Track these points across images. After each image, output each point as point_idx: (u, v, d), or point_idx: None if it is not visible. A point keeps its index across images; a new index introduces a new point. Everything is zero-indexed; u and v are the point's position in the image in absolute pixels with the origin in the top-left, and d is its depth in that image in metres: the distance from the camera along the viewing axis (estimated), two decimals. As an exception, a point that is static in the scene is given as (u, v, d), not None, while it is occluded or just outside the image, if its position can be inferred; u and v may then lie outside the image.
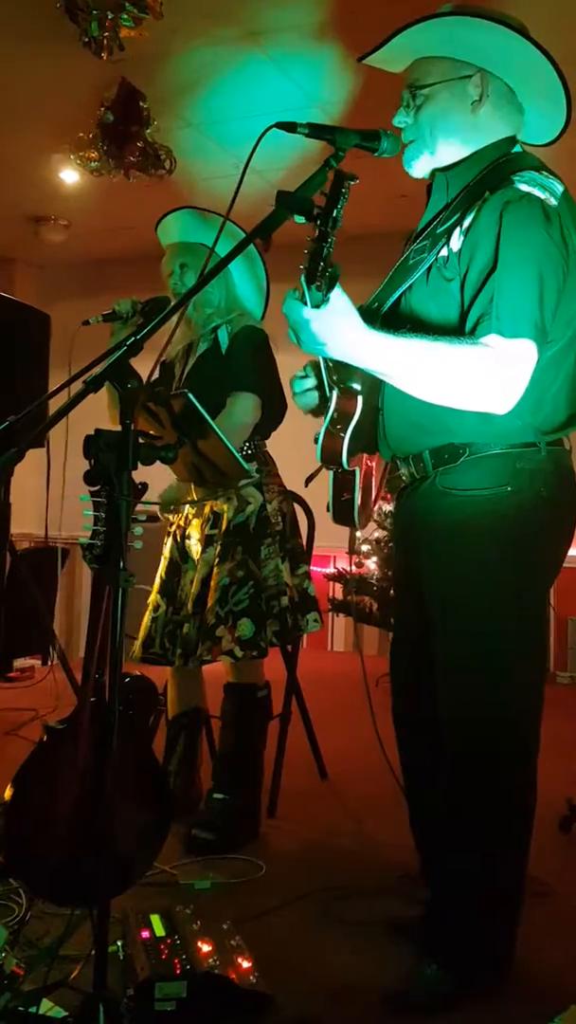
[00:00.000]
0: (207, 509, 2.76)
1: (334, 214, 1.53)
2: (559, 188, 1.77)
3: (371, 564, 5.37)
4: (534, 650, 1.90)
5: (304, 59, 3.92)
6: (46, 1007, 1.74)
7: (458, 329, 1.76)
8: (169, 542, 2.88)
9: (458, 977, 1.90)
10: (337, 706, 4.48)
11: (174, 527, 2.88)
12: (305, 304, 1.58)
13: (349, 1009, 1.91)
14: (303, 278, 1.56)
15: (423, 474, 1.88)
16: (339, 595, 5.60)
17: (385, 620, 5.32)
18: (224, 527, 2.71)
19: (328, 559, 5.94)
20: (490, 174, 1.79)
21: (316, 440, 1.88)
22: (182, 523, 2.85)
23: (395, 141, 1.76)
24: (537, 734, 1.92)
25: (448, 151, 1.87)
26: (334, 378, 1.82)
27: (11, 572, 3.43)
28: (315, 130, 1.69)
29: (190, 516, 2.83)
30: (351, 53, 3.81)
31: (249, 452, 2.78)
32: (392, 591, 5.09)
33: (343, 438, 1.82)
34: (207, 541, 2.73)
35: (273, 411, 2.81)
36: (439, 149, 1.87)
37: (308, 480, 2.10)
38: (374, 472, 2.05)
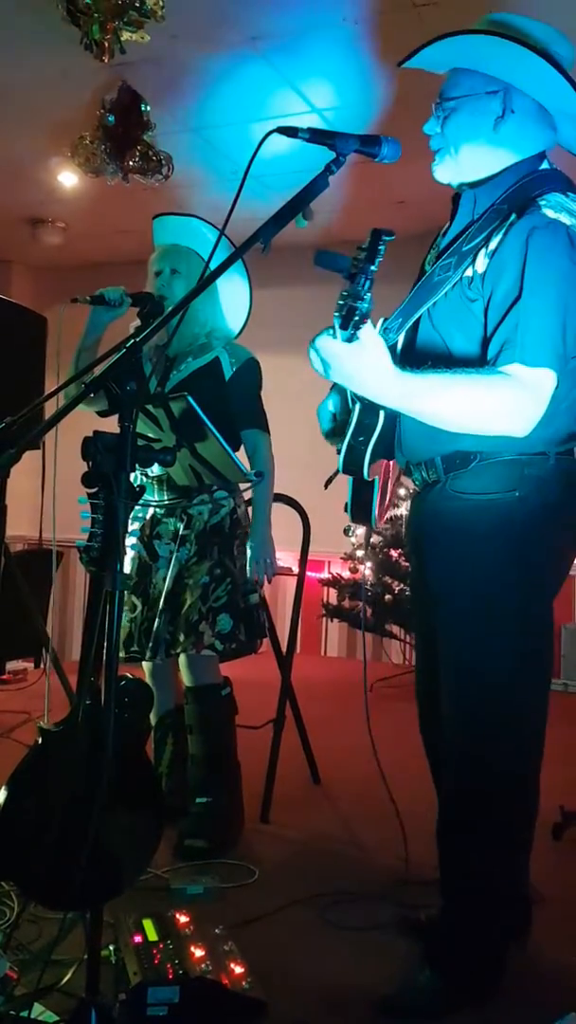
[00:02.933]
0: (179, 509, 2.79)
1: (371, 273, 1.57)
2: None
3: (365, 570, 5.37)
4: (537, 654, 1.91)
5: (304, 65, 3.93)
6: (38, 1011, 1.74)
7: (479, 350, 1.80)
8: (132, 542, 2.88)
9: (452, 983, 1.90)
10: (331, 711, 4.48)
11: (137, 527, 2.89)
12: (336, 338, 1.64)
13: (342, 1015, 1.91)
14: (337, 321, 1.62)
15: (435, 478, 1.90)
16: (333, 600, 5.60)
17: (380, 625, 5.32)
18: (200, 528, 2.77)
19: (322, 564, 5.94)
20: (516, 192, 1.81)
21: (339, 451, 1.93)
22: (148, 523, 2.87)
23: (395, 147, 1.76)
24: (540, 739, 1.93)
25: (473, 164, 1.89)
26: (359, 394, 1.85)
27: (4, 574, 3.42)
28: (316, 135, 1.70)
29: (157, 516, 2.85)
30: (352, 60, 3.82)
31: None
32: (387, 596, 5.10)
33: (365, 451, 1.86)
34: (181, 541, 2.78)
35: None
36: (463, 161, 1.90)
37: (328, 482, 2.14)
38: (391, 474, 2.10)
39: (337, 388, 2.03)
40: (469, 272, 1.81)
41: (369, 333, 1.62)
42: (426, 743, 2.13)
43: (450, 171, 1.93)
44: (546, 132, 1.88)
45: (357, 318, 1.59)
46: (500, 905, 1.95)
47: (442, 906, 2.00)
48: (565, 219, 1.75)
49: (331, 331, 1.66)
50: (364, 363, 1.65)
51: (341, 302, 1.59)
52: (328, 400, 2.04)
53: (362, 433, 1.86)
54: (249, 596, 2.80)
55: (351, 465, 1.89)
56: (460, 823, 1.92)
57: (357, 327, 1.59)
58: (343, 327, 1.61)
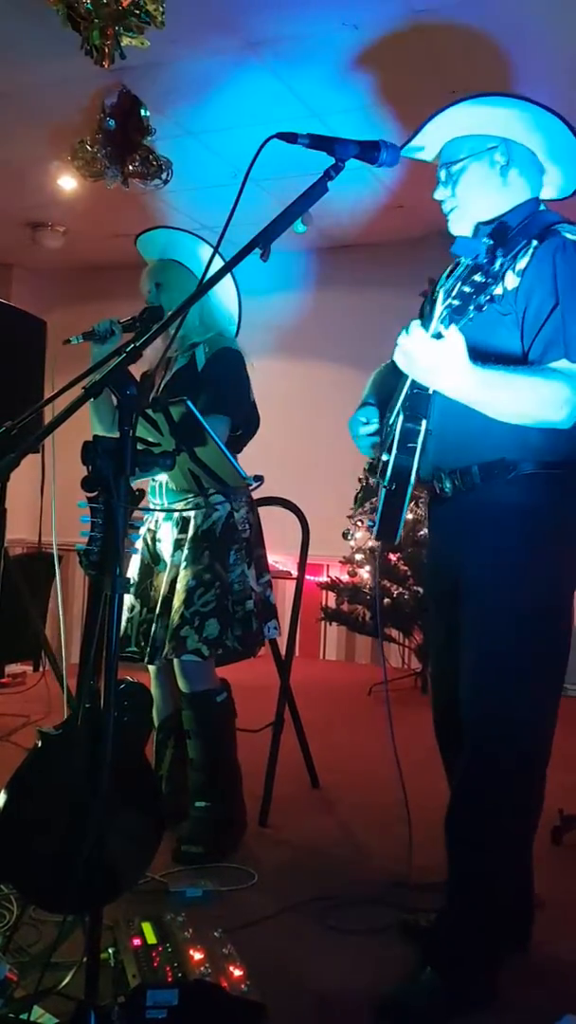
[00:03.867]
0: (176, 513, 2.80)
1: (507, 261, 1.73)
2: None
3: (364, 573, 5.37)
4: (561, 658, 1.99)
5: (304, 70, 3.94)
6: (37, 1014, 1.74)
7: (515, 356, 1.93)
8: (138, 545, 2.89)
9: (452, 985, 1.90)
10: (329, 715, 4.49)
11: (143, 530, 2.90)
12: (425, 334, 1.76)
13: (341, 1018, 1.92)
14: (447, 313, 1.73)
15: (469, 486, 1.98)
16: (332, 604, 5.60)
17: (378, 629, 5.31)
18: (192, 532, 2.76)
19: (321, 568, 5.94)
20: (526, 227, 1.98)
21: (387, 463, 2.00)
22: (152, 526, 2.89)
23: (394, 152, 1.79)
24: (549, 739, 1.98)
25: (486, 208, 2.05)
26: (407, 404, 1.94)
27: (4, 578, 3.43)
28: (315, 141, 1.73)
29: (160, 520, 2.86)
30: (350, 64, 3.83)
31: None
32: (385, 600, 5.10)
33: (412, 458, 1.95)
34: (176, 545, 2.79)
35: (248, 427, 2.88)
36: (478, 209, 2.05)
37: (357, 498, 2.26)
38: None
39: (369, 402, 2.16)
40: (499, 290, 1.92)
41: (455, 331, 1.74)
42: (441, 746, 2.17)
43: (467, 222, 2.07)
44: (538, 178, 2.07)
45: (489, 297, 1.71)
46: (502, 906, 1.96)
47: (444, 906, 2.01)
48: None
49: (422, 323, 1.79)
50: (447, 357, 1.77)
51: (469, 287, 1.70)
52: (359, 414, 2.16)
53: (410, 439, 1.94)
54: (245, 602, 2.77)
55: (399, 474, 1.96)
56: (469, 822, 1.95)
57: (480, 308, 1.71)
58: (452, 320, 1.72)
